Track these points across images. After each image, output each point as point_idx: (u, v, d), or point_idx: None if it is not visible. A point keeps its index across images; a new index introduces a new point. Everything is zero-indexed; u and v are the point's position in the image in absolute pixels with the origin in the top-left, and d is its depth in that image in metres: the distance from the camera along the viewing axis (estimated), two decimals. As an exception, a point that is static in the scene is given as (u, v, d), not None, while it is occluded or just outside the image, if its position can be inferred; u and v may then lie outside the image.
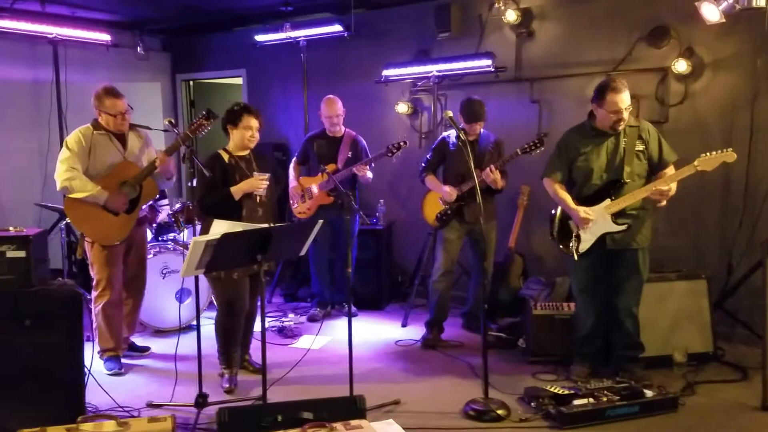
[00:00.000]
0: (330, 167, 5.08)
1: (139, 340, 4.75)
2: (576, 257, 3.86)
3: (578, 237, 3.85)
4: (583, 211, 3.76)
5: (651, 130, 3.83)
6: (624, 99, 3.67)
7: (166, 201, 5.69)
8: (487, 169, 4.41)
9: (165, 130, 4.43)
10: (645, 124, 3.87)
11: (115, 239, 4.18)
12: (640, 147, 3.76)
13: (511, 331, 4.75)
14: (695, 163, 3.59)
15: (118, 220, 4.16)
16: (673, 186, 3.66)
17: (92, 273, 4.25)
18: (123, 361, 4.37)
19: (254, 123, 3.94)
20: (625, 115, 3.71)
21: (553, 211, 4.04)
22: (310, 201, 5.27)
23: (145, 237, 4.60)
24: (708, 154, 3.58)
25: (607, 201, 3.76)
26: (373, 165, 5.26)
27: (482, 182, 4.40)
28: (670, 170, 3.76)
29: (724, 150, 3.59)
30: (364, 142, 5.39)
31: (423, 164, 4.85)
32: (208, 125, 4.09)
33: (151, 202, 5.20)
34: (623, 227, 3.74)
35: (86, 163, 4.11)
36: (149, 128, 4.46)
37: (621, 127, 3.75)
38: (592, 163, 3.80)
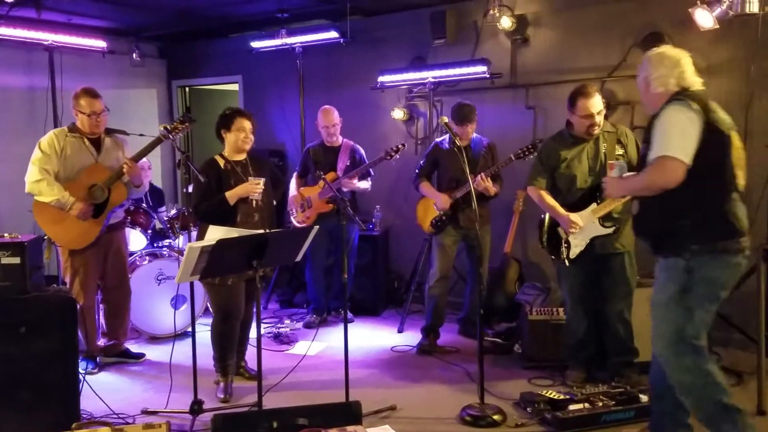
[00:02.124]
0: (330, 175, 5.09)
1: (133, 347, 4.73)
2: (567, 263, 3.88)
3: (568, 243, 3.87)
4: (573, 216, 3.78)
5: (629, 135, 3.91)
6: (594, 104, 3.73)
7: (163, 208, 5.68)
8: (478, 177, 4.42)
9: (141, 134, 4.40)
10: (622, 128, 3.95)
11: (81, 243, 4.17)
12: (620, 151, 3.82)
13: (507, 337, 4.75)
14: None
15: (85, 225, 4.15)
16: None
17: (65, 279, 4.25)
18: (120, 367, 4.41)
19: (247, 124, 3.94)
20: (598, 119, 3.76)
21: (541, 219, 4.06)
22: (309, 210, 5.27)
23: (123, 244, 4.55)
24: None
25: (593, 205, 3.79)
26: (372, 172, 5.27)
27: (475, 188, 4.42)
28: None
29: None
30: (362, 152, 5.40)
31: (417, 171, 4.86)
32: (183, 129, 4.08)
33: (145, 207, 5.20)
34: (611, 230, 3.78)
35: (57, 165, 4.11)
36: (126, 133, 4.44)
37: (595, 132, 3.80)
38: (574, 169, 3.84)
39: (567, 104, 3.85)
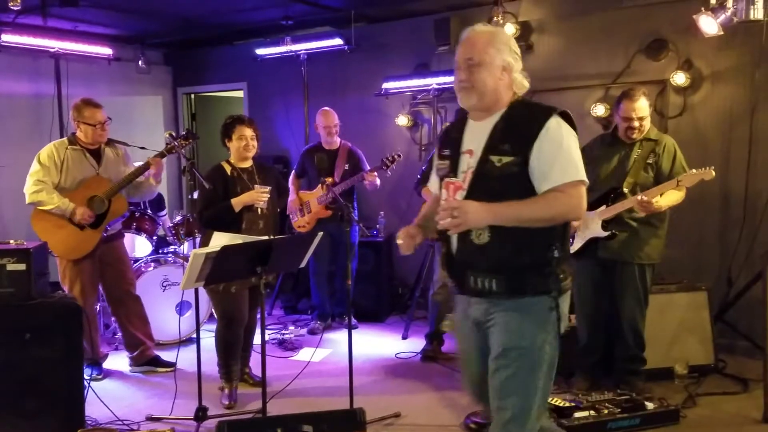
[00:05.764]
0: (327, 181, 5.08)
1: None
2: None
3: (572, 237, 3.84)
4: None
5: (668, 146, 3.80)
6: (637, 108, 3.72)
7: (164, 212, 5.69)
8: None
9: (142, 147, 4.42)
10: (666, 139, 3.85)
11: (78, 253, 4.16)
12: (651, 160, 3.77)
13: (512, 344, 4.73)
14: (678, 178, 3.65)
15: (83, 235, 4.15)
16: (663, 201, 3.65)
17: (63, 287, 4.25)
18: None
19: (247, 132, 3.94)
20: (636, 123, 3.74)
21: None
22: (309, 215, 5.28)
23: (122, 254, 4.48)
24: (690, 171, 3.67)
25: (603, 207, 3.78)
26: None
27: None
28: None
29: (705, 168, 3.62)
30: (361, 152, 5.40)
31: (419, 176, 4.85)
32: (185, 144, 4.13)
33: (150, 213, 5.21)
34: (608, 233, 3.74)
35: (57, 177, 4.11)
36: (127, 144, 4.45)
37: (634, 136, 3.78)
38: (599, 168, 3.82)
39: (613, 105, 3.92)
